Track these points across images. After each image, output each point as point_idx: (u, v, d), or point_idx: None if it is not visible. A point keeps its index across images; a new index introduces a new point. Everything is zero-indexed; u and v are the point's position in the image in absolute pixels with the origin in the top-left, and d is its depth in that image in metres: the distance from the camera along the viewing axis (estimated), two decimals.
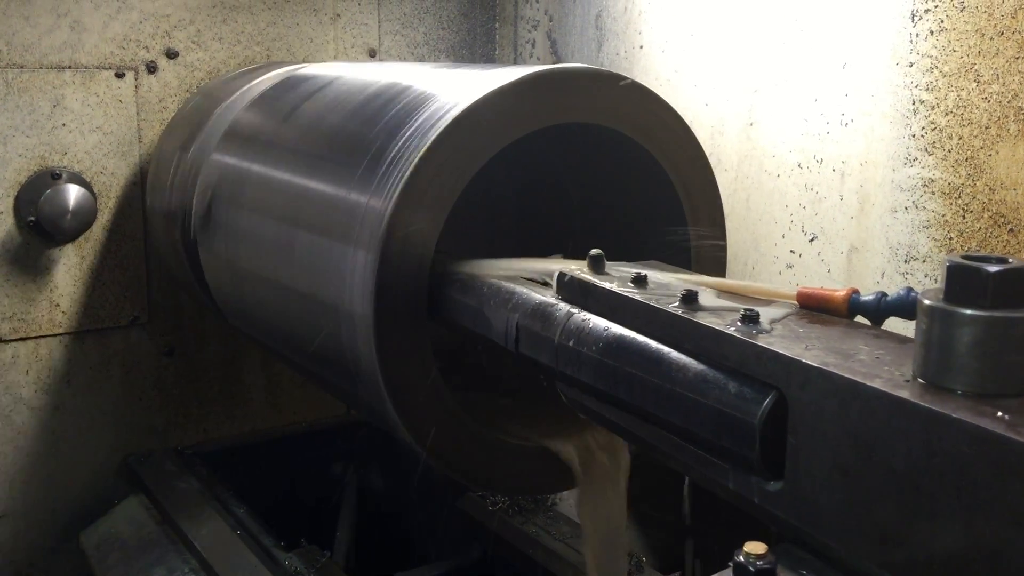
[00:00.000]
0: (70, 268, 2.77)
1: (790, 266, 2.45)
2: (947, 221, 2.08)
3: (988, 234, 2.01)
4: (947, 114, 2.06)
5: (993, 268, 0.97)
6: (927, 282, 2.14)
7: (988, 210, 2.00)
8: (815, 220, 2.38)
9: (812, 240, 2.39)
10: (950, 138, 2.06)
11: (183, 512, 2.60)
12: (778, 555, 1.08)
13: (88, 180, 2.73)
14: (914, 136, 2.13)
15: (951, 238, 2.08)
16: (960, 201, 2.05)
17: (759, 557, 1.04)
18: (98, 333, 2.85)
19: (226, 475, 2.82)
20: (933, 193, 2.10)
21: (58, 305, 2.77)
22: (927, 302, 1.00)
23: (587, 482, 1.79)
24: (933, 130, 2.09)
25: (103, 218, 2.78)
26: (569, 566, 2.38)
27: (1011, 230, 1.98)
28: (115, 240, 2.82)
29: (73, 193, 2.65)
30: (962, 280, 0.98)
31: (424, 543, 2.90)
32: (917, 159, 2.13)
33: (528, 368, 1.56)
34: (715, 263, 1.97)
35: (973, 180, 2.02)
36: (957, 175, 2.05)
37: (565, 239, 2.19)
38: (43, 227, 2.65)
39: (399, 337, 1.65)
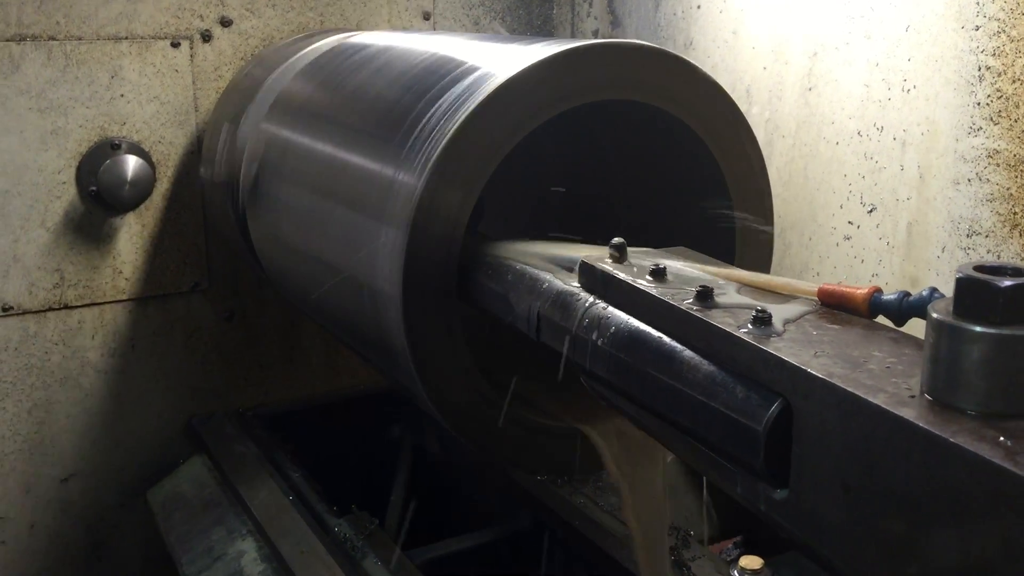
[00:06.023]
0: (132, 236, 2.83)
1: (848, 238, 2.36)
2: (1012, 195, 1.97)
3: None
4: (1014, 81, 1.94)
5: (1006, 282, 0.91)
6: (989, 259, 2.03)
7: None
8: (874, 191, 2.28)
9: (871, 211, 2.29)
10: (1017, 107, 1.94)
11: (241, 476, 2.67)
12: (779, 566, 1.04)
13: (147, 150, 2.77)
14: (979, 104, 2.01)
15: (1015, 212, 1.97)
16: None
17: (755, 573, 1.01)
18: (160, 299, 2.91)
19: (285, 436, 2.87)
20: (998, 165, 1.99)
21: (121, 272, 2.84)
22: (935, 315, 0.95)
23: (622, 463, 1.77)
24: (999, 98, 1.97)
25: (162, 187, 2.83)
26: (614, 537, 2.37)
27: None
28: (174, 209, 2.87)
29: (131, 164, 2.69)
30: (972, 294, 0.92)
31: (476, 510, 2.92)
32: (982, 128, 2.01)
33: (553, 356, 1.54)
34: (760, 246, 1.90)
35: None
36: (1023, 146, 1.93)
37: (609, 219, 2.14)
38: (103, 197, 2.71)
39: (428, 318, 1.63)
